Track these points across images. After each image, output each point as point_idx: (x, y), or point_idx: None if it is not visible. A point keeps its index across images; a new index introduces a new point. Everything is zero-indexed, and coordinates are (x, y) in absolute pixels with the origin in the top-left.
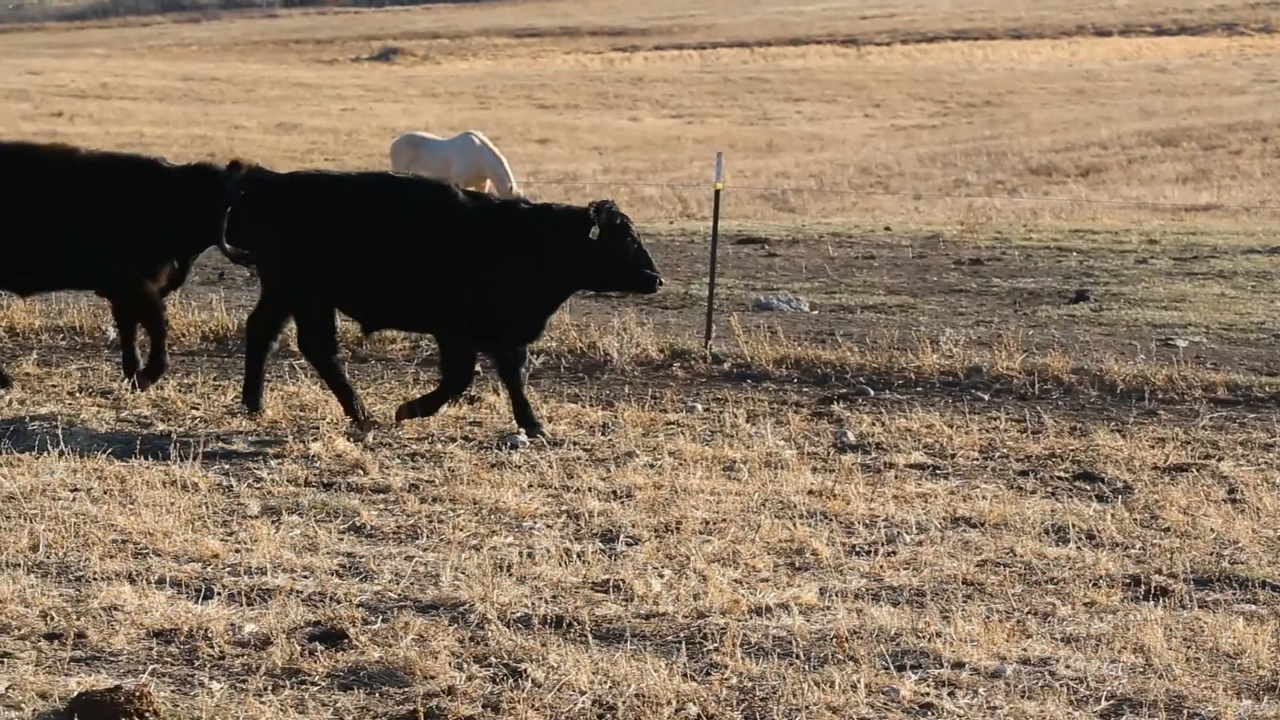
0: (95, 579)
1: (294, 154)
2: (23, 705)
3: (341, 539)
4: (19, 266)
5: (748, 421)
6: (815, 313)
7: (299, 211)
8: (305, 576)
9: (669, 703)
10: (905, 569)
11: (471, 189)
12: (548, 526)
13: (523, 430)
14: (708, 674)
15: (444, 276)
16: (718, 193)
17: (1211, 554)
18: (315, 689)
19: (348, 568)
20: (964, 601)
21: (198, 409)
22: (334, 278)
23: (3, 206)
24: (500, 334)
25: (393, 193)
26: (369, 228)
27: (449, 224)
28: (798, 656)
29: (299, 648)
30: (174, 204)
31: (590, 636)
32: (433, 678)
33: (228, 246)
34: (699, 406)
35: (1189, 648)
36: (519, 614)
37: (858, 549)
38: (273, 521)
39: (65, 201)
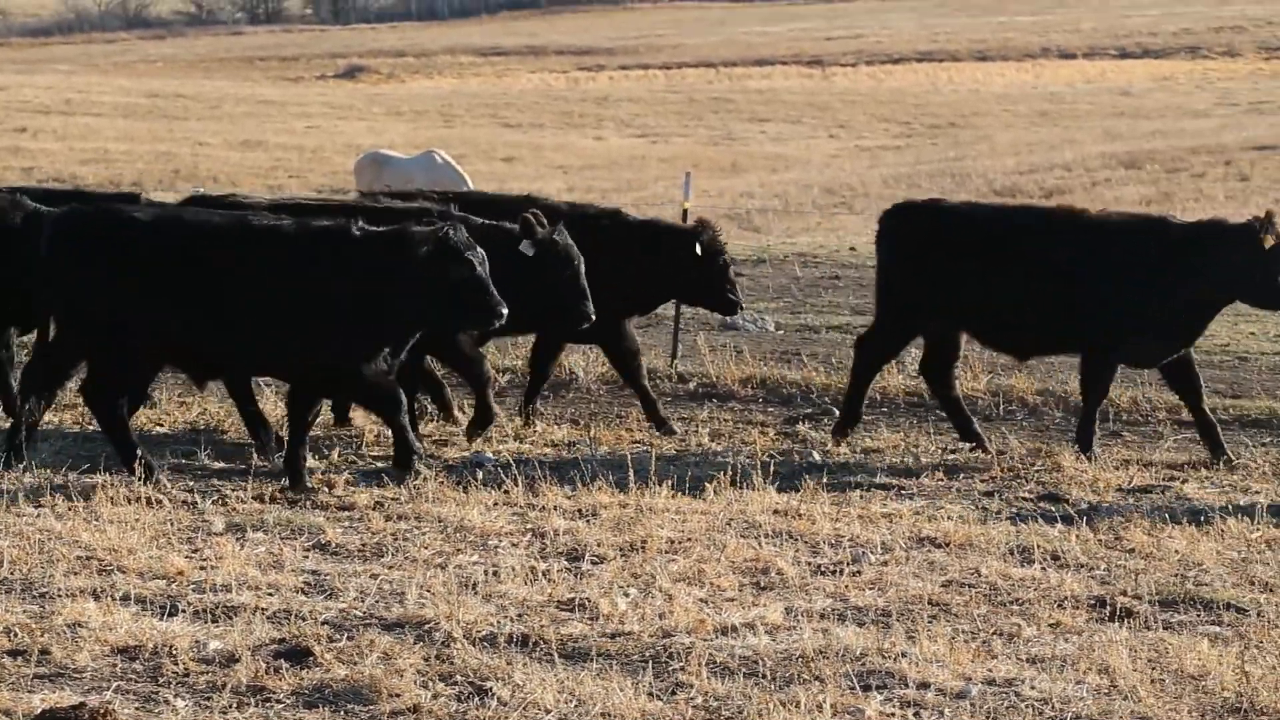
0: (59, 595)
1: (258, 171)
2: None
3: (307, 556)
4: None
5: (712, 440)
6: (780, 333)
7: None
8: (270, 594)
9: None
10: (871, 589)
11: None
12: (513, 545)
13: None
14: (673, 693)
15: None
16: (685, 212)
17: (1176, 575)
18: (280, 707)
19: (313, 585)
20: (929, 622)
21: (162, 425)
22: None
23: None
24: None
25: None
26: None
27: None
28: (763, 676)
29: (264, 665)
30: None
31: (556, 655)
32: (398, 696)
33: None
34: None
35: (1153, 669)
36: (484, 632)
37: (823, 569)
38: (238, 539)
39: None
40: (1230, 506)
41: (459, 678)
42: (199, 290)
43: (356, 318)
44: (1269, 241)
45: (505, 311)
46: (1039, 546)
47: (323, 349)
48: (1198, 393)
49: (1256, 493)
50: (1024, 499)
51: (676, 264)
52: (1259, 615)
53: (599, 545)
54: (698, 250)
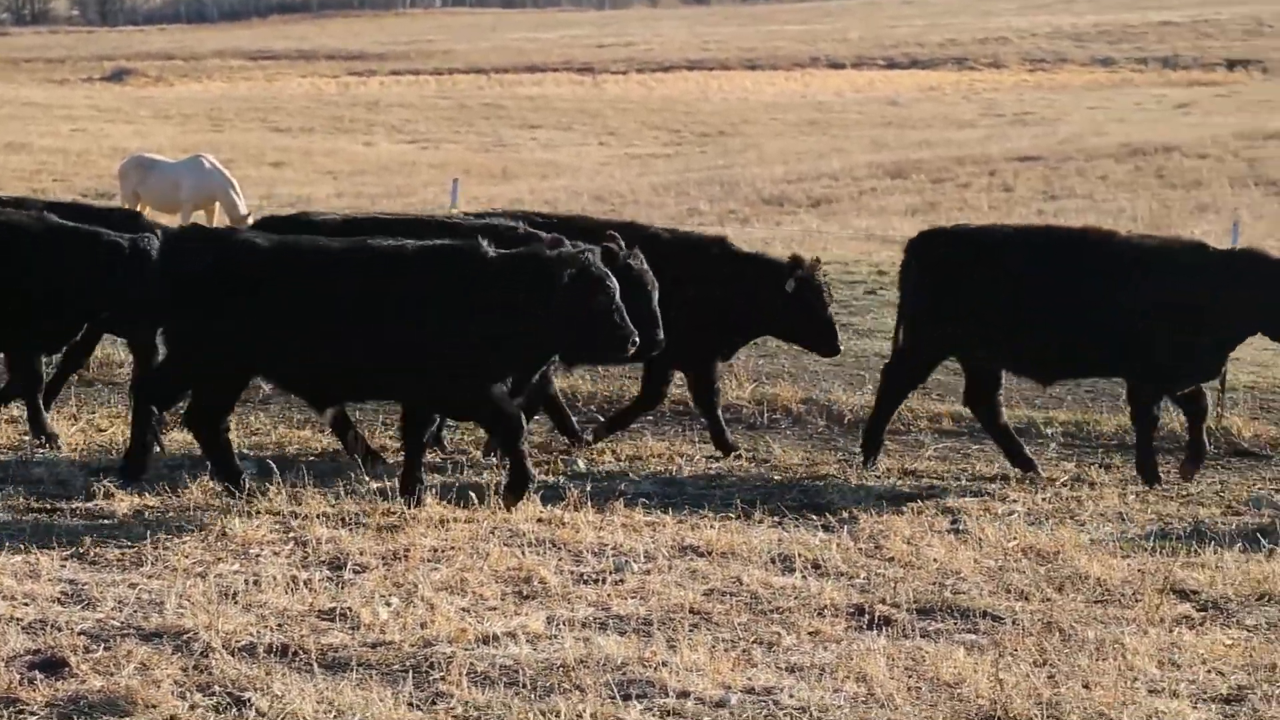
0: None
1: (22, 174)
2: None
3: (64, 566)
4: None
5: (478, 449)
6: None
7: None
8: (25, 604)
9: None
10: (633, 598)
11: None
12: (275, 554)
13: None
14: (434, 703)
15: None
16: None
17: (934, 584)
18: (35, 719)
19: (70, 595)
20: (690, 630)
21: None
22: None
23: None
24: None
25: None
26: None
27: None
28: (524, 685)
29: (18, 676)
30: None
31: (316, 665)
32: (155, 707)
33: None
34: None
35: (910, 677)
36: (244, 642)
37: (586, 577)
38: None
39: None
40: (988, 515)
41: (217, 688)
42: (321, 317)
43: (489, 344)
44: None
45: (638, 341)
46: (800, 555)
47: (453, 376)
48: (1203, 414)
49: (1014, 501)
50: (786, 507)
51: (765, 297)
52: (1014, 623)
53: (361, 554)
54: (789, 285)
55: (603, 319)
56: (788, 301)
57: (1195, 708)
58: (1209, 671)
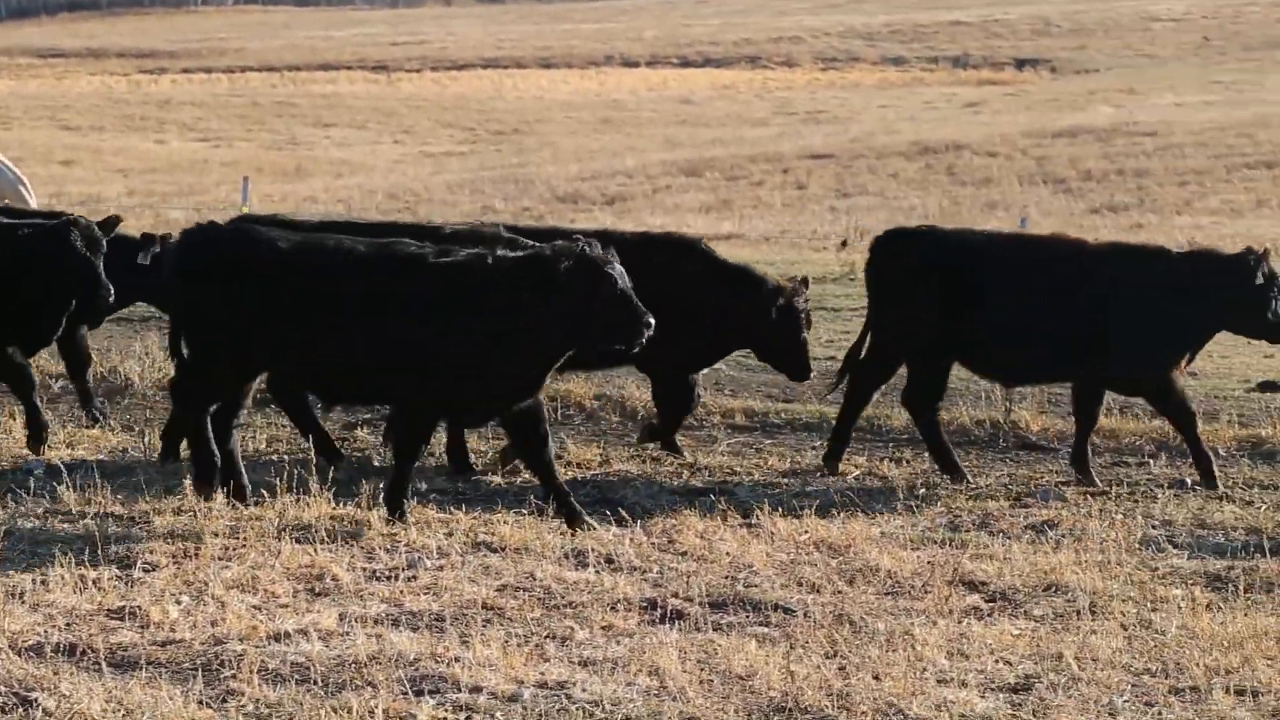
0: None
1: None
2: None
3: None
4: None
5: (269, 446)
6: None
7: None
8: None
9: None
10: (426, 594)
11: None
12: (63, 553)
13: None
14: (224, 701)
15: None
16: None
17: (726, 577)
18: None
19: None
20: (483, 626)
21: None
22: None
23: None
24: None
25: None
26: None
27: None
28: (316, 682)
29: None
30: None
31: (104, 664)
32: None
33: None
34: None
35: (703, 670)
36: (31, 642)
37: (378, 574)
38: None
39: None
40: (781, 509)
41: (3, 688)
42: (341, 317)
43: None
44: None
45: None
46: (593, 550)
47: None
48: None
49: (808, 494)
50: (580, 502)
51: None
52: (805, 616)
53: (151, 552)
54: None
55: (612, 306)
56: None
57: (983, 697)
58: (997, 661)
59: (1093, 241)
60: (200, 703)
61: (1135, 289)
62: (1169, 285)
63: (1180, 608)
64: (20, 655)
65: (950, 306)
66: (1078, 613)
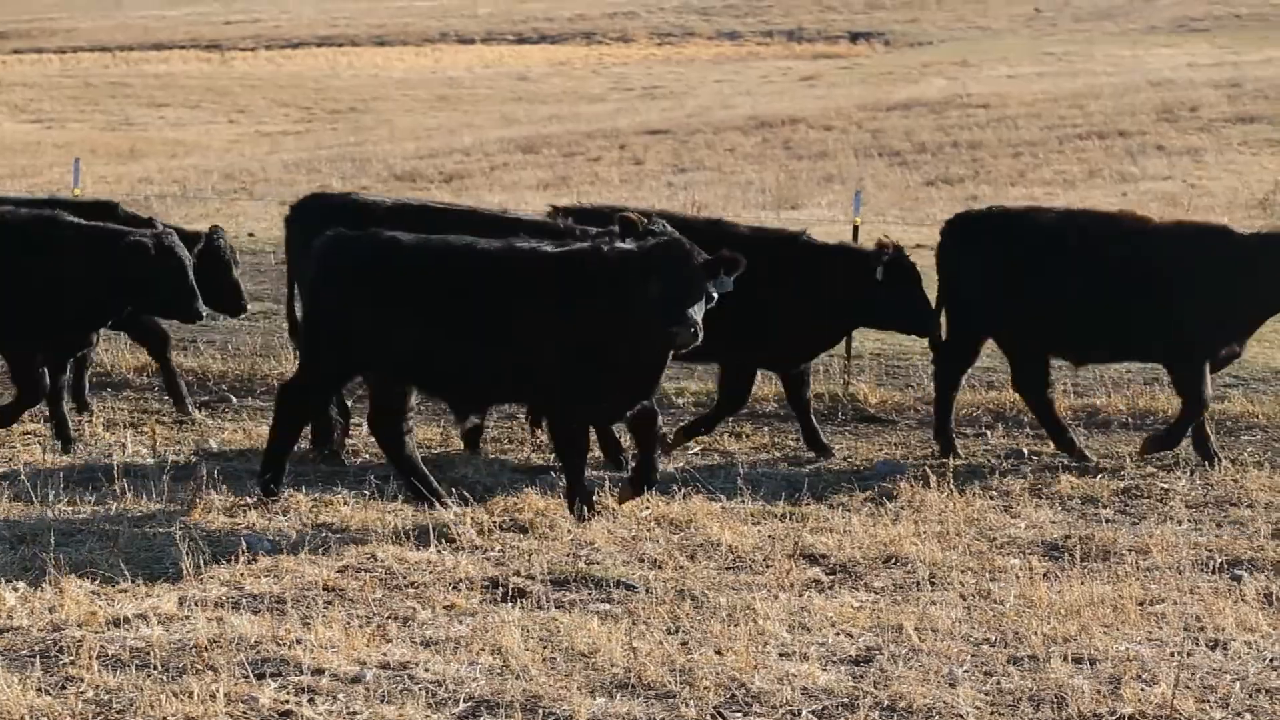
0: None
1: None
2: None
3: None
4: None
5: (108, 431)
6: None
7: None
8: None
9: (22, 719)
10: (266, 576)
11: None
12: None
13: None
14: (63, 688)
15: None
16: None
17: (569, 555)
18: None
19: None
20: (325, 608)
21: None
22: None
23: None
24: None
25: None
26: None
27: None
28: (156, 667)
29: None
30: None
31: None
32: None
33: None
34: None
35: (545, 648)
36: None
37: (218, 557)
38: None
39: None
40: (616, 485)
41: None
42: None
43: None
44: None
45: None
46: (434, 529)
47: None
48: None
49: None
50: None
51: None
52: (648, 592)
53: None
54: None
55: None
56: (877, 289)
57: (825, 670)
58: (838, 634)
59: (1158, 219)
60: (39, 690)
61: (1202, 270)
62: (1235, 266)
63: (1018, 577)
64: None
65: (1024, 286)
66: (917, 584)
